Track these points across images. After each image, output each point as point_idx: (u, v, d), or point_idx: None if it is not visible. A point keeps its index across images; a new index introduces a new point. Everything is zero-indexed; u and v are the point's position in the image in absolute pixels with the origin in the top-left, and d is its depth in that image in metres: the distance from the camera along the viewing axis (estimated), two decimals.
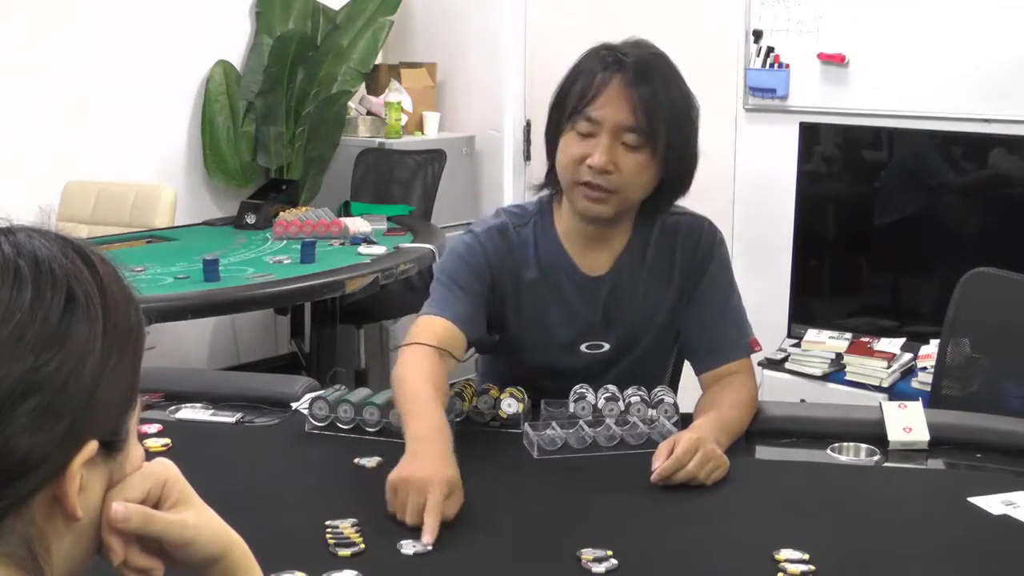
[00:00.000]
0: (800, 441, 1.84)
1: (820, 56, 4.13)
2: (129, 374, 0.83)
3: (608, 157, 1.81)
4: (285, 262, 3.72)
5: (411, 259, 3.76)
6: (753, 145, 4.40)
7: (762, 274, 3.95)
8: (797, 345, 3.75)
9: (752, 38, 4.29)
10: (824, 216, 4.02)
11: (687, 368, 2.10)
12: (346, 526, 1.45)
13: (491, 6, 5.04)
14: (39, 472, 0.76)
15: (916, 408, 1.84)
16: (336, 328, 3.97)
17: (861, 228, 3.93)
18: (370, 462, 1.68)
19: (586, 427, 1.76)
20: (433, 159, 4.76)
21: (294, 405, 1.92)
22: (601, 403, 1.84)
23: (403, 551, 1.40)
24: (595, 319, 1.96)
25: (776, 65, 4.25)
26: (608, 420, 1.79)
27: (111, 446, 0.83)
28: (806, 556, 1.38)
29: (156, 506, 0.87)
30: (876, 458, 1.77)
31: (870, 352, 3.55)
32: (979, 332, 2.35)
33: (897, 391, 3.41)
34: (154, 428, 1.81)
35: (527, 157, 5.03)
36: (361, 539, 1.41)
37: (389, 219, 4.30)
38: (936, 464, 1.77)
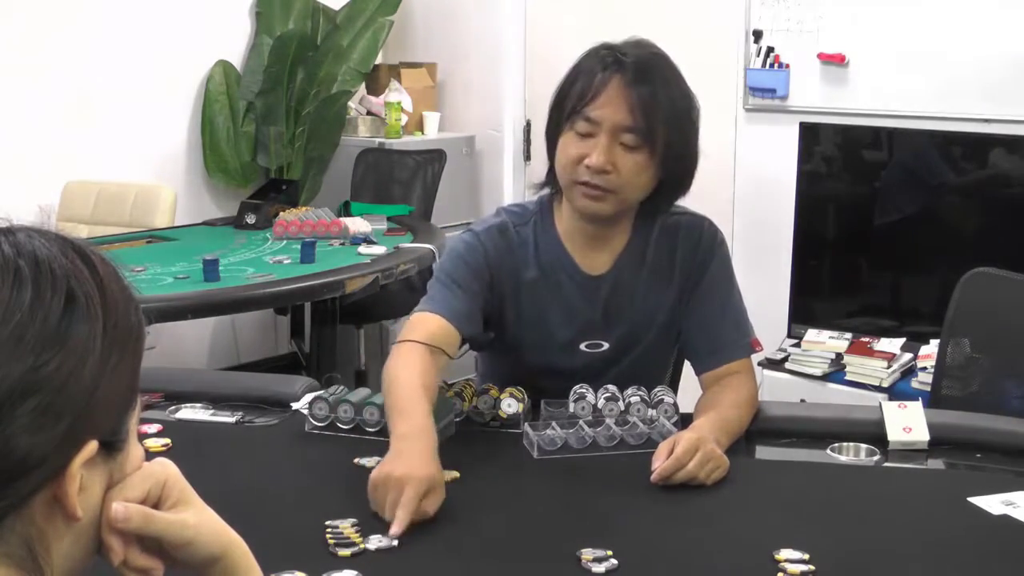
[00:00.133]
0: (800, 441, 1.84)
1: (820, 56, 4.13)
2: (129, 374, 0.83)
3: (606, 157, 1.82)
4: (285, 262, 3.72)
5: (411, 259, 3.76)
6: (753, 145, 4.40)
7: (762, 274, 3.95)
8: (797, 345, 3.75)
9: (752, 38, 4.29)
10: (824, 216, 4.02)
11: (687, 368, 2.10)
12: (346, 526, 1.45)
13: (491, 6, 5.04)
14: (39, 472, 0.76)
15: (916, 408, 1.84)
16: (336, 328, 3.97)
17: (861, 228, 3.93)
18: (370, 462, 1.68)
19: (586, 427, 1.76)
20: (433, 159, 4.76)
21: (294, 405, 1.93)
22: (601, 403, 1.84)
23: (368, 546, 1.39)
24: (595, 318, 1.96)
25: (776, 65, 4.25)
26: (608, 420, 1.79)
27: (111, 446, 0.83)
28: (806, 556, 1.38)
29: (156, 506, 0.87)
30: (876, 458, 1.77)
31: (870, 352, 3.55)
32: (979, 332, 2.35)
33: (897, 391, 3.41)
34: (154, 428, 1.81)
35: (527, 157, 5.03)
36: (361, 539, 1.41)
37: (389, 219, 4.30)
38: (936, 464, 1.77)
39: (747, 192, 4.42)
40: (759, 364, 3.59)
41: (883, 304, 3.93)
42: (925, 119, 3.85)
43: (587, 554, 1.38)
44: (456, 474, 1.63)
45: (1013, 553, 1.43)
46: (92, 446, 0.79)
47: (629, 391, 1.87)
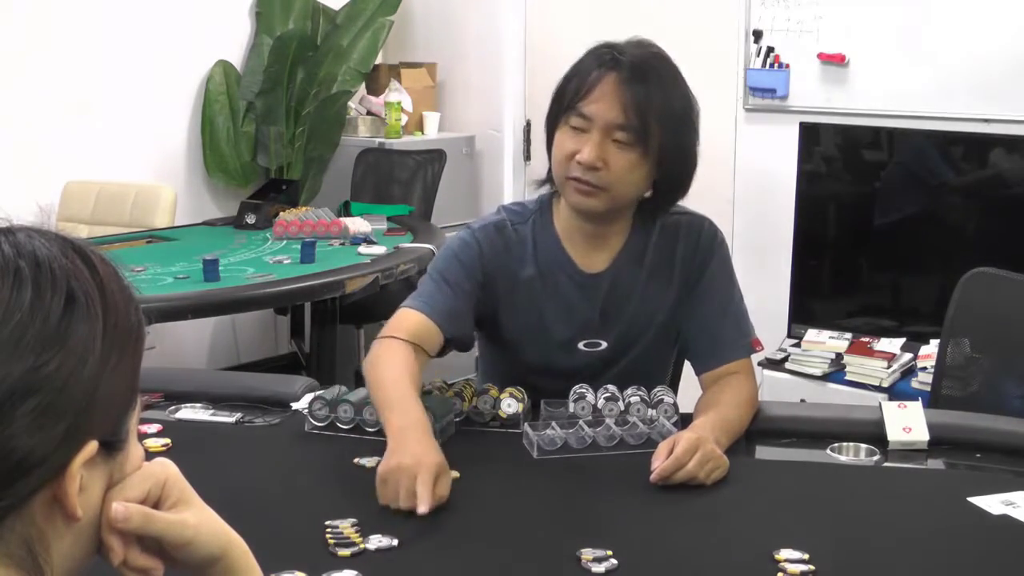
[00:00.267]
0: (800, 441, 1.84)
1: (820, 56, 4.13)
2: (129, 374, 0.83)
3: (597, 153, 1.82)
4: (285, 262, 3.72)
5: (411, 259, 3.76)
6: (753, 145, 4.40)
7: (762, 274, 3.95)
8: (797, 345, 3.75)
9: (752, 38, 4.29)
10: (824, 216, 4.02)
11: (687, 368, 2.10)
12: (346, 526, 1.45)
13: (491, 6, 5.05)
14: (39, 472, 0.76)
15: (916, 408, 1.84)
16: (336, 328, 3.97)
17: (861, 228, 3.93)
18: (370, 462, 1.68)
19: (586, 427, 1.76)
20: (433, 159, 4.76)
21: (294, 405, 1.93)
22: (601, 403, 1.84)
23: (368, 546, 1.40)
24: (593, 317, 1.96)
25: (776, 65, 4.25)
26: (608, 420, 1.79)
27: (111, 446, 0.83)
28: (806, 556, 1.38)
29: (156, 506, 0.87)
30: (876, 458, 1.77)
31: (870, 352, 3.55)
32: (979, 332, 2.35)
33: (897, 391, 3.41)
34: (154, 428, 1.81)
35: (527, 157, 5.03)
36: (361, 539, 1.41)
37: (389, 219, 4.30)
38: (936, 464, 1.77)
39: (747, 192, 4.42)
40: (759, 364, 3.59)
41: (883, 304, 3.92)
42: (925, 119, 3.85)
43: (587, 554, 1.38)
44: (456, 474, 1.63)
45: (1013, 553, 1.44)
46: (92, 446, 0.79)
47: (629, 391, 1.87)
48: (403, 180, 4.79)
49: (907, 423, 1.80)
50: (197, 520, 0.88)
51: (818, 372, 3.64)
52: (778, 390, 3.56)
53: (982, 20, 3.80)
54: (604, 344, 1.97)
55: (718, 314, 1.96)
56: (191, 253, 3.74)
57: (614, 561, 1.36)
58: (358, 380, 4.28)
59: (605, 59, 1.85)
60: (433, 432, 1.65)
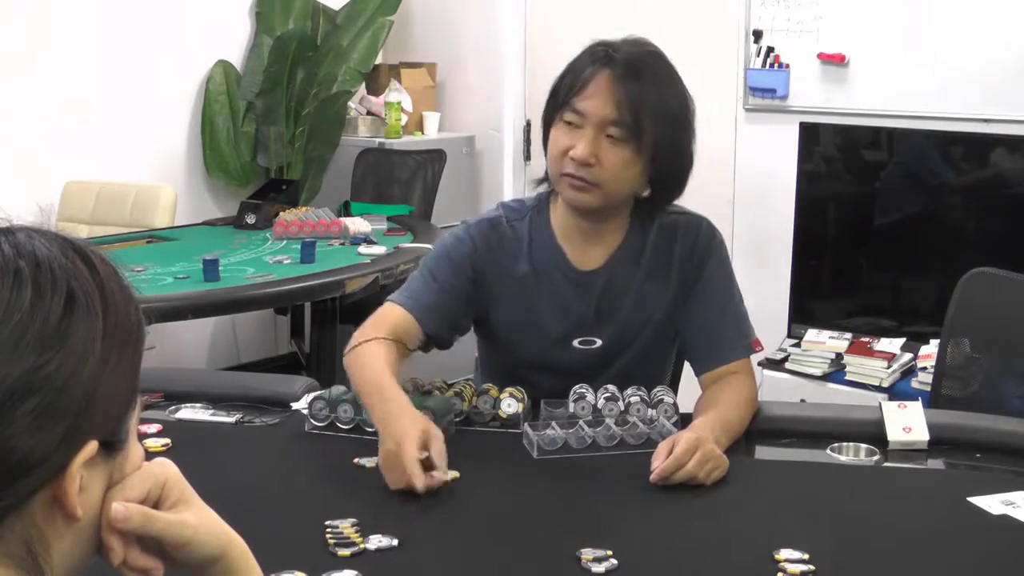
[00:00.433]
0: (800, 441, 1.84)
1: (820, 56, 4.13)
2: (129, 374, 0.83)
3: (590, 149, 1.83)
4: (285, 262, 3.72)
5: (411, 259, 3.76)
6: (753, 145, 4.40)
7: (762, 274, 3.95)
8: (797, 345, 3.75)
9: (752, 38, 4.29)
10: (824, 216, 4.02)
11: (687, 368, 2.10)
12: (346, 526, 1.45)
13: (491, 6, 5.05)
14: (39, 472, 0.76)
15: (916, 408, 1.84)
16: (336, 328, 3.96)
17: (861, 228, 3.93)
18: (370, 462, 1.68)
19: (586, 427, 1.76)
20: (433, 159, 4.76)
21: (294, 405, 1.93)
22: (601, 403, 1.84)
23: (368, 546, 1.40)
24: (588, 314, 1.96)
25: (776, 65, 4.25)
26: (608, 420, 1.79)
27: (111, 446, 0.83)
28: (806, 556, 1.38)
29: (156, 506, 0.87)
30: (876, 458, 1.77)
31: (870, 352, 3.55)
32: (979, 332, 2.35)
33: (897, 391, 3.41)
34: (154, 428, 1.81)
35: (527, 157, 5.04)
36: (361, 539, 1.41)
37: (389, 219, 4.30)
38: (936, 464, 1.77)
39: (747, 192, 4.42)
40: (759, 364, 3.59)
41: (883, 304, 3.92)
42: (925, 119, 3.85)
43: (587, 554, 1.38)
44: (456, 474, 1.63)
45: (1013, 553, 1.44)
46: (92, 446, 0.79)
47: (629, 391, 1.87)
48: (403, 180, 4.79)
49: (907, 423, 1.80)
50: (197, 520, 0.88)
51: (818, 372, 3.64)
52: (778, 390, 3.56)
53: (982, 20, 3.80)
54: (599, 342, 1.97)
55: (717, 314, 1.96)
56: (191, 253, 3.74)
57: (614, 561, 1.36)
58: None
59: (599, 56, 1.85)
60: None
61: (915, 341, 3.57)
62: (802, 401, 3.20)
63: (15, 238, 0.81)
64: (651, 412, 1.82)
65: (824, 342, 3.68)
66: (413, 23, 5.34)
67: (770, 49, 4.25)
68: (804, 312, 3.94)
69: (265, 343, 5.08)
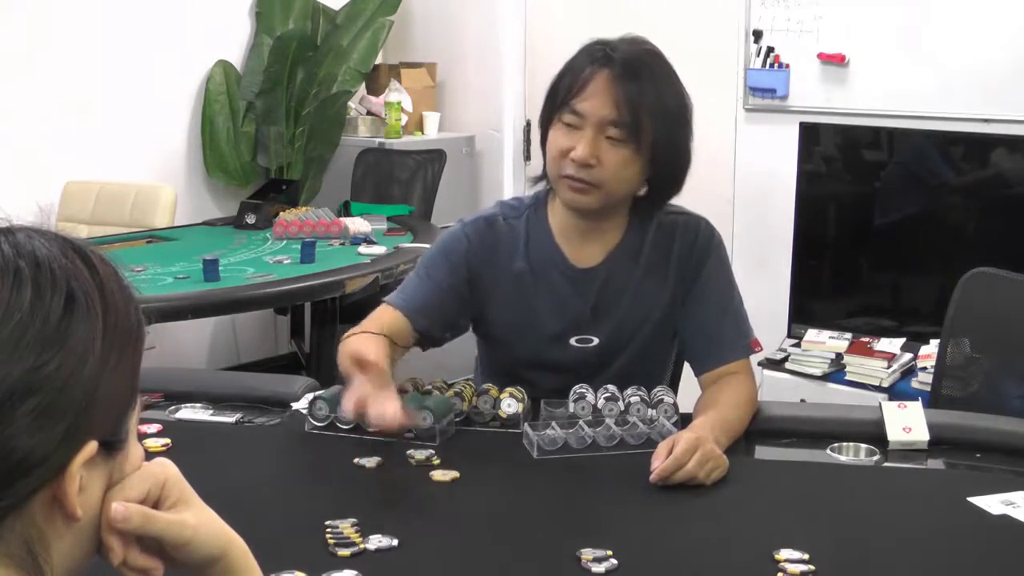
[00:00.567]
0: (800, 441, 1.84)
1: (820, 56, 4.13)
2: (129, 374, 0.83)
3: (590, 150, 1.83)
4: (285, 262, 3.72)
5: (411, 259, 3.75)
6: (753, 145, 4.40)
7: (762, 274, 3.95)
8: (797, 345, 3.75)
9: (752, 38, 4.29)
10: (824, 216, 4.02)
11: (687, 368, 2.10)
12: (346, 526, 1.45)
13: (491, 6, 5.04)
14: (39, 472, 0.76)
15: (916, 408, 1.84)
16: (336, 328, 3.96)
17: (861, 228, 3.93)
18: (370, 462, 1.68)
19: (586, 427, 1.76)
20: (433, 159, 4.76)
21: (294, 405, 1.93)
22: (601, 403, 1.84)
23: (368, 546, 1.39)
24: (584, 312, 1.96)
25: (776, 65, 4.25)
26: (608, 420, 1.79)
27: (111, 446, 0.83)
28: (806, 556, 1.38)
29: (156, 506, 0.87)
30: (876, 458, 1.77)
31: (870, 352, 3.55)
32: (979, 332, 2.35)
33: (897, 391, 3.41)
34: (154, 428, 1.81)
35: (527, 157, 5.03)
36: (361, 539, 1.41)
37: (389, 219, 4.30)
38: (936, 464, 1.77)
39: (747, 192, 4.42)
40: (759, 364, 3.59)
41: (883, 304, 3.92)
42: (925, 119, 3.85)
43: (587, 554, 1.38)
44: (456, 474, 1.63)
45: (1013, 553, 1.43)
46: (92, 446, 0.79)
47: (629, 391, 1.87)
48: (403, 180, 4.79)
49: (907, 423, 1.80)
50: (197, 520, 0.88)
51: (818, 372, 3.64)
52: (778, 390, 3.56)
53: (982, 20, 3.80)
54: (596, 340, 1.97)
55: (716, 314, 1.96)
56: (191, 253, 3.74)
57: (614, 561, 1.36)
58: None
59: (597, 56, 1.86)
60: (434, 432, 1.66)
61: (915, 341, 3.57)
62: (802, 401, 3.20)
63: (15, 238, 0.81)
64: (651, 412, 1.82)
65: (824, 342, 3.69)
66: (413, 23, 5.34)
67: (770, 49, 4.25)
68: (804, 312, 3.94)
69: (265, 343, 5.08)
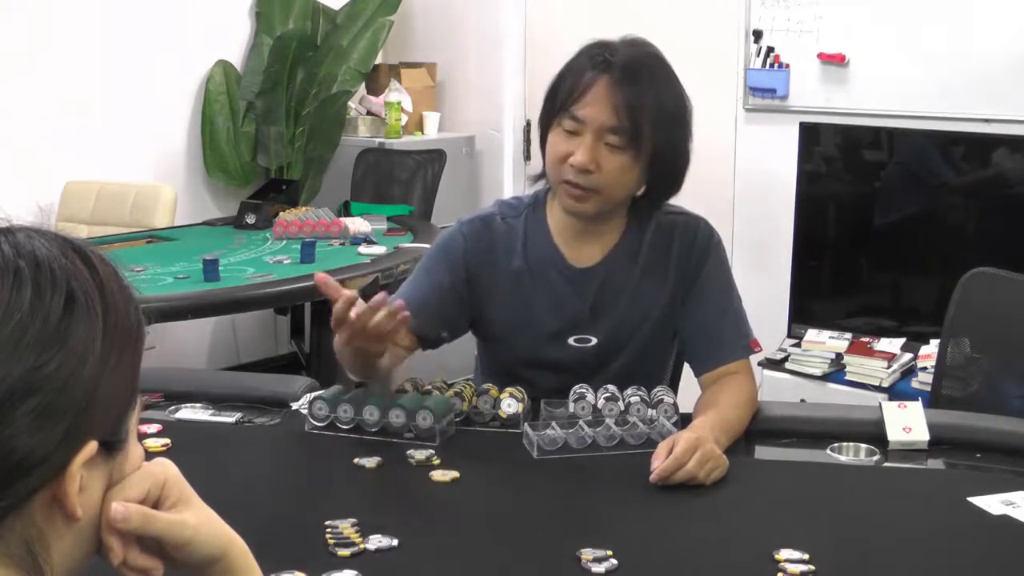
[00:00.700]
0: (800, 441, 1.84)
1: (820, 56, 4.13)
2: (129, 374, 0.83)
3: (590, 156, 1.83)
4: (285, 262, 3.72)
5: (411, 259, 3.75)
6: (753, 145, 4.40)
7: (762, 274, 3.95)
8: (797, 345, 3.75)
9: (752, 38, 4.29)
10: (824, 216, 4.02)
11: (687, 368, 2.10)
12: (346, 526, 1.45)
13: (491, 6, 5.04)
14: (39, 472, 0.76)
15: (916, 408, 1.84)
16: None
17: (861, 228, 3.93)
18: (370, 462, 1.68)
19: (586, 427, 1.76)
20: (433, 159, 4.76)
21: (294, 405, 1.93)
22: (601, 403, 1.84)
23: (368, 546, 1.39)
24: (583, 311, 1.97)
25: (776, 65, 4.25)
26: (608, 420, 1.78)
27: (111, 446, 0.83)
28: (806, 556, 1.38)
29: (156, 506, 0.87)
30: (876, 458, 1.77)
31: (870, 352, 3.55)
32: (979, 332, 2.35)
33: (897, 391, 3.41)
34: (154, 428, 1.80)
35: (527, 157, 5.03)
36: (361, 539, 1.41)
37: (389, 219, 4.30)
38: (936, 464, 1.77)
39: (747, 192, 4.42)
40: (759, 364, 3.59)
41: (883, 304, 3.92)
42: (925, 119, 3.85)
43: (587, 554, 1.38)
44: (456, 474, 1.63)
45: (1013, 553, 1.43)
46: (92, 446, 0.79)
47: (629, 391, 1.87)
48: (403, 180, 4.79)
49: (907, 423, 1.80)
50: (197, 520, 0.88)
51: (818, 372, 3.64)
52: (778, 390, 3.56)
53: (982, 20, 3.80)
54: (594, 340, 1.97)
55: (716, 315, 1.96)
56: (191, 253, 3.74)
57: (614, 561, 1.36)
58: (358, 380, 4.30)
59: (598, 60, 1.85)
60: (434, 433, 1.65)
61: (915, 341, 3.57)
62: (802, 401, 3.20)
63: (15, 238, 0.81)
64: (651, 412, 1.82)
65: (824, 342, 3.68)
66: (413, 23, 5.34)
67: (770, 49, 4.25)
68: (804, 312, 3.94)
69: (265, 343, 5.08)
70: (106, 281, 0.83)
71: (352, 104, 5.15)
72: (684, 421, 1.79)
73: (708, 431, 1.69)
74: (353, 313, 1.64)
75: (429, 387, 1.91)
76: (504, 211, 2.01)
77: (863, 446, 1.79)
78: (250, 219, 4.32)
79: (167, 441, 1.75)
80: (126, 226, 4.22)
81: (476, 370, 2.17)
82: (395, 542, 1.41)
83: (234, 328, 4.94)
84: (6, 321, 0.76)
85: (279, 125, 4.89)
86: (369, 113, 5.19)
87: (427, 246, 3.86)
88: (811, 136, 3.95)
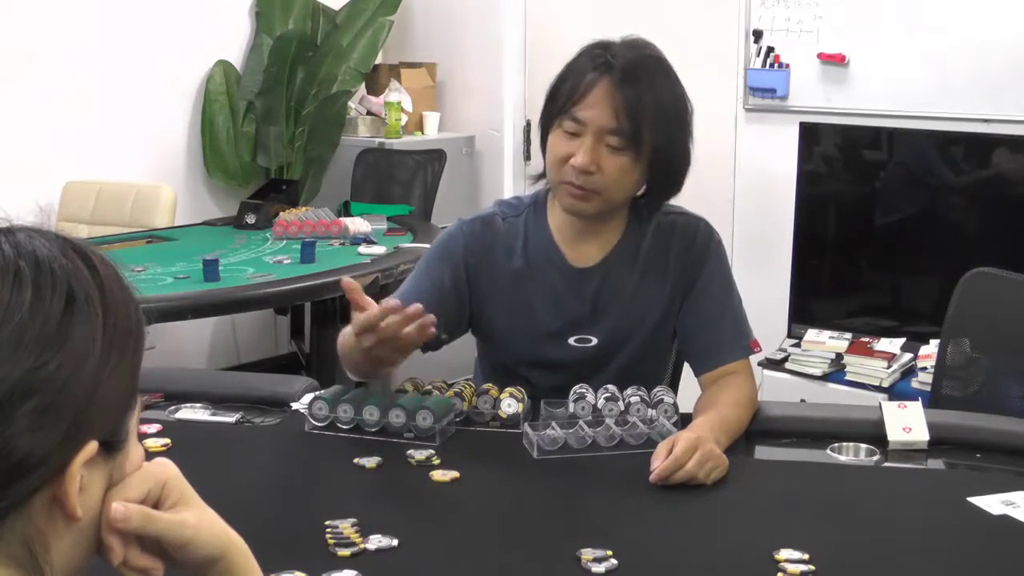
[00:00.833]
0: (800, 441, 1.84)
1: (820, 56, 4.13)
2: (129, 374, 0.83)
3: (591, 158, 1.83)
4: (285, 262, 3.72)
5: (411, 259, 3.75)
6: (753, 145, 4.40)
7: (762, 274, 3.95)
8: (797, 345, 3.75)
9: (752, 38, 4.29)
10: (824, 216, 4.02)
11: (687, 368, 2.10)
12: (346, 526, 1.45)
13: (491, 6, 5.04)
14: (39, 472, 0.76)
15: (916, 408, 1.84)
16: (336, 328, 3.96)
17: (861, 228, 3.93)
18: (370, 462, 1.68)
19: (586, 427, 1.76)
20: (433, 159, 4.76)
21: (294, 405, 1.92)
22: (601, 403, 1.84)
23: (368, 546, 1.40)
24: (583, 311, 1.97)
25: (776, 65, 4.25)
26: (608, 420, 1.78)
27: (111, 446, 0.83)
28: (806, 556, 1.38)
29: (156, 506, 0.87)
30: (876, 458, 1.77)
31: (870, 352, 3.55)
32: (979, 332, 2.35)
33: (897, 391, 3.41)
34: (154, 428, 1.80)
35: (527, 157, 5.03)
36: (361, 539, 1.41)
37: (389, 219, 4.30)
38: (936, 464, 1.77)
39: (747, 192, 4.42)
40: (759, 364, 3.59)
41: (883, 304, 3.93)
42: (925, 119, 3.85)
43: (587, 554, 1.38)
44: (456, 474, 1.63)
45: (1013, 553, 1.43)
46: (92, 446, 0.79)
47: (629, 391, 1.87)
48: (403, 180, 4.79)
49: (907, 423, 1.80)
50: (197, 520, 0.88)
51: (818, 372, 3.64)
52: (778, 390, 3.56)
53: (982, 20, 3.80)
54: (594, 340, 1.97)
55: (716, 315, 1.96)
56: (191, 253, 3.74)
57: (614, 561, 1.36)
58: (358, 380, 4.30)
59: (598, 62, 1.86)
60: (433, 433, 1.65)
61: (915, 341, 3.57)
62: (802, 401, 3.20)
63: (15, 238, 0.81)
64: (651, 412, 1.82)
65: (824, 342, 3.69)
66: (413, 23, 5.34)
67: (770, 49, 4.25)
68: (804, 312, 3.94)
69: (265, 343, 5.08)
70: (106, 281, 0.83)
71: (352, 104, 5.15)
72: (684, 421, 1.79)
73: (708, 431, 1.69)
74: (384, 323, 1.62)
75: (429, 387, 1.91)
76: (504, 211, 2.01)
77: (863, 446, 1.79)
78: (250, 219, 4.32)
79: (167, 441, 1.75)
80: (126, 226, 4.22)
81: (476, 370, 2.17)
82: (395, 542, 1.41)
83: (234, 328, 4.94)
84: (6, 321, 0.76)
85: (279, 125, 4.89)
86: (369, 113, 5.19)
87: (427, 246, 3.86)
88: (811, 136, 3.95)
